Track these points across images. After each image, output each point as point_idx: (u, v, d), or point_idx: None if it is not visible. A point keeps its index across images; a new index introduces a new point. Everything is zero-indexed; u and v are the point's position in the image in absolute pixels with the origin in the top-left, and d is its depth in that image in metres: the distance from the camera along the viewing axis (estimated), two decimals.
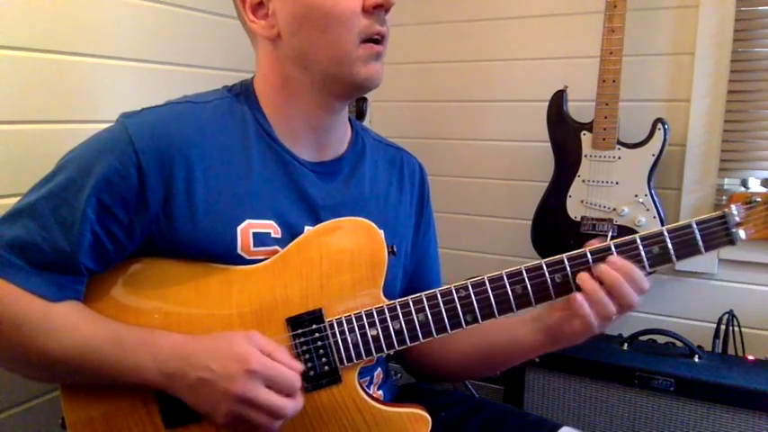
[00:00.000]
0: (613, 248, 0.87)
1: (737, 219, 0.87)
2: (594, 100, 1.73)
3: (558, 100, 1.83)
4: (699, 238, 0.87)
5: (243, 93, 0.96)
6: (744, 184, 0.90)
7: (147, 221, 0.85)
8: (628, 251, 0.87)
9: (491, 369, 1.21)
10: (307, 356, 0.87)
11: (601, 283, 0.86)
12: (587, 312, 0.86)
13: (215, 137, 0.89)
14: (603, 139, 1.74)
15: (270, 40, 0.92)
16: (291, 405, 0.81)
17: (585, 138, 1.78)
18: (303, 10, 0.88)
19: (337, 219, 0.93)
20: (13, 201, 0.88)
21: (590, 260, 0.87)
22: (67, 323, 0.82)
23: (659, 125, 1.71)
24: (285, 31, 0.90)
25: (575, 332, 0.90)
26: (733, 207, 0.88)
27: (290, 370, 0.81)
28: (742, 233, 0.87)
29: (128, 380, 0.83)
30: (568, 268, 0.87)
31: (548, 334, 0.95)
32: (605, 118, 1.73)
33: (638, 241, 0.87)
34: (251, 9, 0.92)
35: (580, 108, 1.81)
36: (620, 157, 1.74)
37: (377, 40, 0.90)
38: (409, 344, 0.89)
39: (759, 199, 0.87)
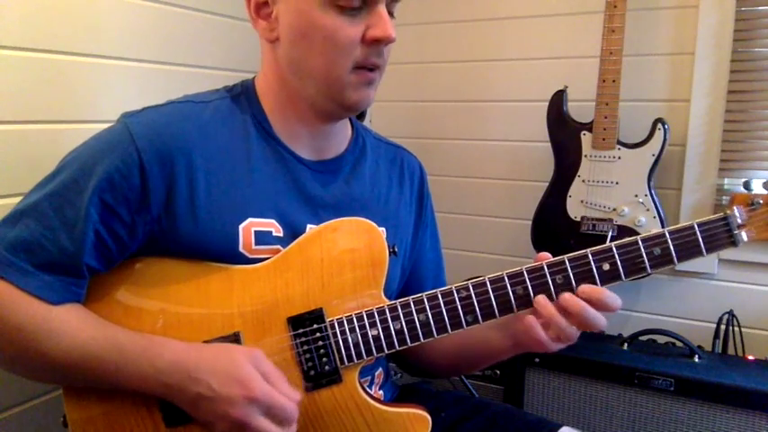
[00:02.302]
0: (614, 249, 0.87)
1: (740, 221, 0.87)
2: (594, 100, 1.74)
3: (558, 100, 1.83)
4: (700, 239, 0.86)
5: (243, 92, 0.96)
6: (746, 186, 0.90)
7: (149, 220, 0.85)
8: (629, 252, 0.87)
9: (470, 368, 1.22)
10: (307, 356, 0.87)
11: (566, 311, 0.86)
12: (542, 336, 0.87)
13: (216, 136, 0.89)
14: (603, 139, 1.74)
15: (269, 41, 0.92)
16: None
17: (585, 138, 1.78)
18: (304, 26, 0.87)
19: (339, 219, 0.93)
20: (12, 201, 0.88)
21: (591, 261, 0.87)
22: (68, 327, 0.82)
23: (659, 125, 1.71)
24: (284, 39, 0.90)
25: (539, 343, 0.90)
26: (735, 209, 0.87)
27: (289, 401, 0.81)
28: (744, 235, 0.87)
29: (128, 387, 0.83)
30: (569, 269, 0.87)
31: (515, 341, 0.96)
32: (605, 118, 1.73)
33: (640, 242, 0.87)
34: (255, 7, 0.92)
35: (580, 108, 1.81)
36: (620, 157, 1.74)
37: (371, 68, 0.90)
38: (410, 344, 0.89)
39: (761, 201, 0.87)
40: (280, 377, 0.83)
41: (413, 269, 1.12)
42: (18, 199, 0.86)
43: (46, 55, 1.23)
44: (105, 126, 0.89)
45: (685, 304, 1.87)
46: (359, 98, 0.90)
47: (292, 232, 0.92)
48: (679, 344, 1.64)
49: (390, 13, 0.89)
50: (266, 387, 0.80)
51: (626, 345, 1.66)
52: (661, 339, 1.69)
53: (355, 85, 0.89)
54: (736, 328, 1.71)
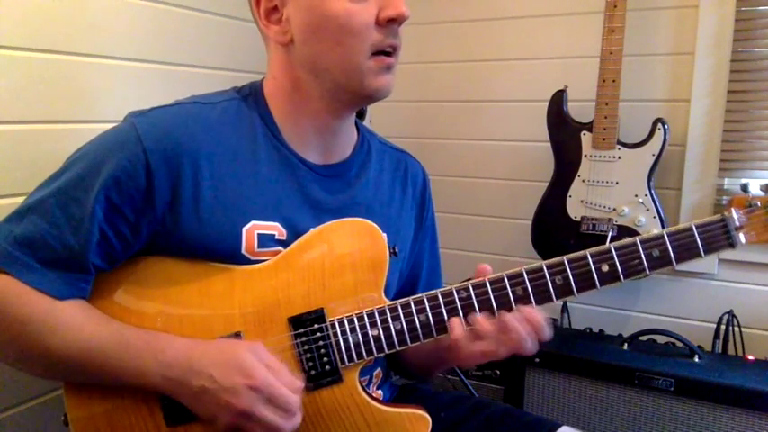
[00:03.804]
0: (613, 250, 0.87)
1: (737, 223, 0.88)
2: (594, 100, 1.74)
3: (558, 100, 1.83)
4: (699, 241, 0.87)
5: (252, 94, 0.96)
6: (744, 188, 0.91)
7: (153, 220, 0.85)
8: (628, 253, 0.87)
9: (431, 374, 1.23)
10: (308, 356, 0.87)
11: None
12: (468, 351, 0.89)
13: (223, 138, 0.89)
14: (603, 139, 1.74)
15: (282, 45, 0.92)
16: (289, 425, 0.81)
17: (585, 138, 1.78)
18: (317, 20, 0.87)
19: (340, 219, 0.93)
20: (12, 201, 0.88)
21: (590, 262, 0.87)
22: (72, 322, 0.82)
23: (659, 125, 1.71)
24: (298, 39, 0.90)
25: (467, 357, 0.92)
26: (733, 211, 0.88)
27: (291, 392, 0.81)
28: (742, 237, 0.88)
29: (131, 382, 0.83)
30: (569, 270, 0.87)
31: (438, 356, 0.98)
32: (605, 118, 1.73)
33: (639, 244, 0.87)
34: (265, 13, 0.92)
35: (580, 108, 1.81)
36: (620, 157, 1.74)
37: (388, 52, 0.91)
38: (410, 344, 0.89)
39: (759, 203, 0.88)
40: (281, 366, 0.83)
41: (409, 274, 1.13)
42: (18, 199, 0.86)
43: (46, 55, 1.23)
44: (105, 126, 0.89)
45: (685, 304, 1.87)
46: (379, 85, 0.91)
47: (295, 236, 0.92)
48: (679, 344, 1.64)
49: None
50: (268, 376, 0.80)
51: (626, 345, 1.66)
52: (661, 339, 1.69)
53: (375, 72, 0.90)
54: (736, 328, 1.71)
